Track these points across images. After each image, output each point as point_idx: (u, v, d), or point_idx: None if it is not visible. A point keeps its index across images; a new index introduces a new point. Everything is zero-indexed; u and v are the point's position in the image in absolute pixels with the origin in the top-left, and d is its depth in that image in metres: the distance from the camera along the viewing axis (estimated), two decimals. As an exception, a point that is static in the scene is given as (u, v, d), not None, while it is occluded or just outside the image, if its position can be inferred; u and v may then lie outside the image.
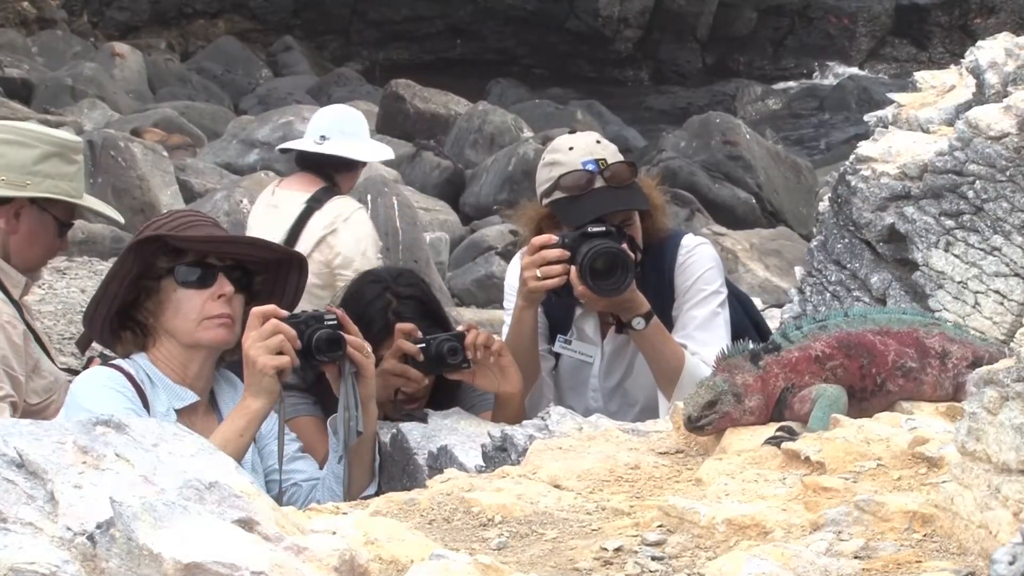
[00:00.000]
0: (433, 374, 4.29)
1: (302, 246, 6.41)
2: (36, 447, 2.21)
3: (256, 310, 3.78)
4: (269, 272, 4.03)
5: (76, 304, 8.80)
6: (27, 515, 2.09)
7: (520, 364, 4.28)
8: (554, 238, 4.21)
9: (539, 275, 4.19)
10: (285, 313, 3.82)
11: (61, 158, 4.72)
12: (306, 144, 6.84)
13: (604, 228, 4.20)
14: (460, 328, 4.33)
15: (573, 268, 4.16)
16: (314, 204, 6.65)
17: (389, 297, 4.36)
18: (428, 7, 29.34)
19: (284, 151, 7.91)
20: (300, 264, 4.11)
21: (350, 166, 6.89)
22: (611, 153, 4.40)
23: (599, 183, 4.31)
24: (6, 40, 23.88)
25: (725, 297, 4.50)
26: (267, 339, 3.72)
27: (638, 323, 4.23)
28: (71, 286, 9.38)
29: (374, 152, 7.20)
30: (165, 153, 14.31)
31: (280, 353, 3.73)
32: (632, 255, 4.20)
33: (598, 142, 4.43)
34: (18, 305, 4.68)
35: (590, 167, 4.32)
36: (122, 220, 5.32)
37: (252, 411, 3.73)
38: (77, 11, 28.52)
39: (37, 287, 6.59)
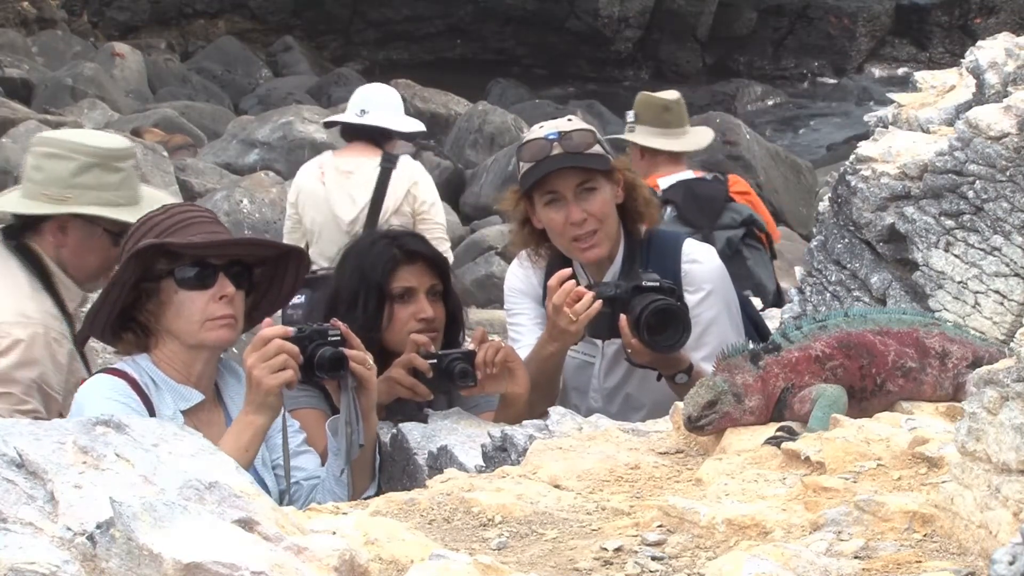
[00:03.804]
0: (441, 391, 4.28)
1: (391, 199, 7.74)
2: (36, 447, 2.21)
3: (261, 334, 3.79)
4: (268, 264, 4.03)
5: (79, 304, 8.78)
6: (27, 515, 2.09)
7: (543, 391, 4.29)
8: (587, 291, 4.20)
9: (572, 317, 4.18)
10: (291, 331, 3.82)
11: (102, 168, 4.60)
12: (348, 117, 8.00)
13: (659, 284, 4.21)
14: (469, 345, 4.31)
15: (624, 317, 4.17)
16: (388, 164, 7.81)
17: (388, 240, 4.46)
18: (428, 7, 29.31)
19: (328, 124, 9.55)
20: (299, 256, 4.11)
21: (388, 135, 8.00)
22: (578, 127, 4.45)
23: (556, 150, 4.37)
24: (6, 40, 23.82)
25: (738, 306, 4.52)
26: (270, 359, 3.74)
27: (681, 378, 4.26)
28: (72, 286, 9.36)
29: (408, 124, 8.22)
30: (165, 153, 14.30)
31: (284, 369, 3.75)
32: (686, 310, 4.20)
33: (569, 120, 4.51)
34: (71, 319, 4.61)
35: (551, 136, 4.39)
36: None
37: (256, 427, 3.75)
38: (77, 11, 28.47)
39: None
